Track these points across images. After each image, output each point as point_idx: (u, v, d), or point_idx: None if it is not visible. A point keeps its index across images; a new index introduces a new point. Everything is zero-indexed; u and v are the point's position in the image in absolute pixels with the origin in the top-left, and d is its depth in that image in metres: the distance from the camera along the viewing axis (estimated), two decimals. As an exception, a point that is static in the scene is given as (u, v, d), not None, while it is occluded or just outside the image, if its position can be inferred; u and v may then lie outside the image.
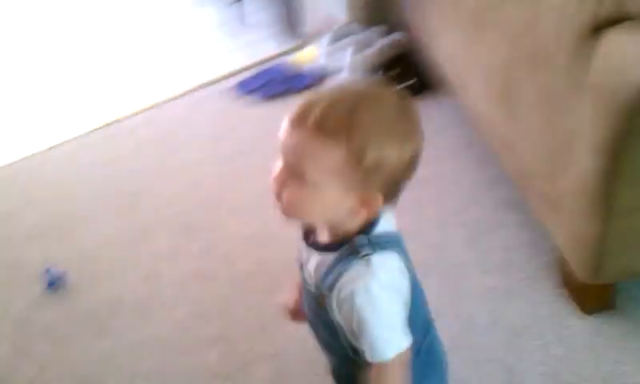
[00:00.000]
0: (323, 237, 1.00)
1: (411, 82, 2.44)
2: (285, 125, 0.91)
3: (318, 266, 1.00)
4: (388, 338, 0.96)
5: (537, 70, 1.52)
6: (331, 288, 0.96)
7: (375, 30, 2.61)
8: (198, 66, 2.85)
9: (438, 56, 2.23)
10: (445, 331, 1.59)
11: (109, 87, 2.81)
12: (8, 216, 2.21)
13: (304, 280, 1.08)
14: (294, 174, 0.90)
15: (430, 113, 2.35)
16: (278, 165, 0.94)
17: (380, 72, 2.44)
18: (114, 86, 2.82)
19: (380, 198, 0.94)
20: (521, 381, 1.49)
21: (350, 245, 0.95)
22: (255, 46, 2.93)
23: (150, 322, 1.78)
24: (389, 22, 2.65)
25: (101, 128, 2.56)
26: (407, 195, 1.95)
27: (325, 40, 2.62)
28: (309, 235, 1.04)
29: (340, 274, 0.94)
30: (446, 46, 2.12)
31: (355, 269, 0.94)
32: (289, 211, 0.94)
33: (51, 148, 2.51)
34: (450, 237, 1.88)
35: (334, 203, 0.92)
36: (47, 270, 1.93)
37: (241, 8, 3.04)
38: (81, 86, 2.87)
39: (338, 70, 2.57)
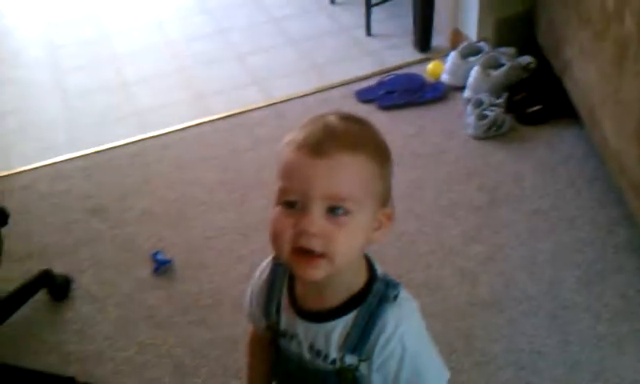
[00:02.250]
0: (326, 299, 0.88)
1: (537, 108, 2.37)
2: (301, 158, 0.79)
3: (325, 338, 0.89)
4: (440, 368, 0.92)
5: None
6: (371, 350, 0.86)
7: (504, 50, 2.55)
8: (320, 70, 2.89)
9: (570, 85, 2.15)
10: (547, 373, 1.56)
11: (234, 80, 2.90)
12: (124, 196, 2.29)
13: (290, 360, 0.95)
14: (330, 211, 0.79)
15: (553, 142, 2.27)
16: (286, 212, 0.80)
17: (505, 94, 2.38)
18: (239, 80, 2.90)
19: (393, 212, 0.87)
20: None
21: (373, 294, 0.87)
22: (378, 54, 2.93)
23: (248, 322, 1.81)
24: (519, 43, 2.58)
25: (222, 119, 2.63)
26: (522, 225, 1.95)
27: (451, 56, 2.59)
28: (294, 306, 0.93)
29: (382, 329, 0.85)
30: (581, 75, 2.05)
31: (392, 315, 0.86)
32: (343, 258, 0.81)
33: (174, 131, 2.59)
34: (564, 276, 1.81)
35: (368, 227, 0.83)
36: (155, 255, 2.01)
37: (368, 16, 3.05)
38: (207, 74, 2.97)
39: (461, 87, 2.52)
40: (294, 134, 0.83)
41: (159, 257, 2.00)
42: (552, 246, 1.90)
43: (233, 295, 1.86)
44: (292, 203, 0.80)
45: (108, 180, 2.37)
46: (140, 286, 1.95)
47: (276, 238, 0.82)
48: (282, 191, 0.81)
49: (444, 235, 1.99)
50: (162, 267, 1.98)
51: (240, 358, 1.64)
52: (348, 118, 0.85)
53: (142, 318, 1.86)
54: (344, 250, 0.80)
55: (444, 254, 1.93)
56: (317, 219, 0.78)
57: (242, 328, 1.73)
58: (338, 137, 0.80)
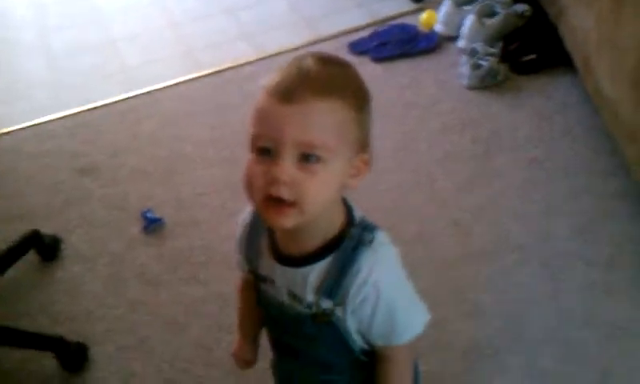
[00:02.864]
0: (303, 244, 0.87)
1: (531, 56, 2.33)
2: (272, 104, 0.77)
3: (301, 283, 0.89)
4: (417, 311, 0.92)
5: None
6: (345, 294, 0.86)
7: (500, -1, 2.49)
8: (312, 23, 2.83)
9: (565, 32, 2.10)
10: (540, 321, 1.56)
11: (223, 34, 2.84)
12: (114, 154, 2.26)
13: (271, 305, 0.96)
14: (302, 159, 0.77)
15: (548, 91, 2.23)
16: (259, 159, 0.79)
17: (499, 43, 2.33)
18: (229, 34, 2.84)
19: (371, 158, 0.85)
20: (615, 383, 1.41)
21: (349, 239, 0.86)
22: (371, 5, 2.86)
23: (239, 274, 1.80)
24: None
25: (212, 74, 2.58)
26: (517, 174, 1.92)
27: (445, 5, 2.52)
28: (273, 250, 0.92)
29: (356, 273, 0.85)
30: (577, 21, 2.00)
31: (366, 260, 0.85)
32: (314, 207, 0.79)
33: (163, 88, 2.54)
34: (557, 224, 1.79)
35: (343, 174, 0.81)
36: (145, 213, 1.99)
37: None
38: (196, 29, 2.91)
39: (455, 37, 2.47)
40: (269, 78, 0.80)
41: (149, 215, 1.98)
42: (546, 195, 1.88)
43: (224, 252, 1.84)
44: (265, 150, 0.78)
45: (96, 139, 2.34)
46: (130, 245, 1.93)
47: (248, 186, 0.81)
48: (254, 138, 0.80)
49: (438, 186, 1.97)
50: (152, 225, 1.96)
51: (232, 314, 1.61)
52: (325, 61, 0.82)
53: (132, 277, 1.85)
54: (315, 198, 0.79)
55: (437, 206, 1.90)
56: (287, 167, 0.76)
57: (233, 284, 1.73)
58: (311, 81, 0.78)
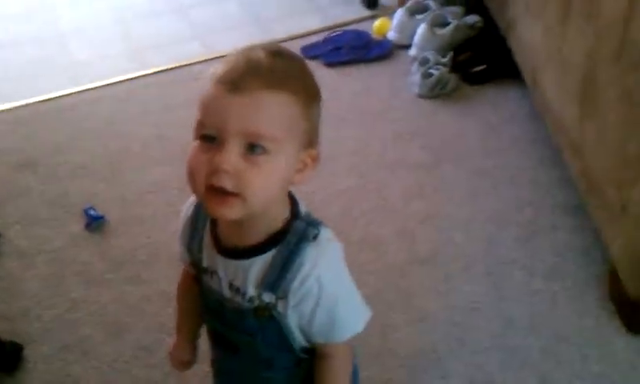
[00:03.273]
0: (246, 237, 0.86)
1: (481, 67, 2.36)
2: (219, 93, 0.76)
3: (243, 276, 0.87)
4: (358, 308, 0.92)
5: (624, 69, 1.42)
6: (287, 288, 0.85)
7: (451, 9, 2.52)
8: (266, 25, 2.81)
9: (515, 44, 2.14)
10: (483, 329, 1.57)
11: (174, 34, 2.80)
12: (56, 150, 2.20)
13: (212, 298, 0.94)
14: (247, 149, 0.76)
15: (497, 102, 2.27)
16: (203, 147, 0.77)
17: (450, 53, 2.36)
18: (180, 33, 2.80)
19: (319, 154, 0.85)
20: (554, 391, 1.44)
21: (293, 233, 0.85)
22: (326, 10, 2.87)
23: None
24: (466, 3, 2.56)
25: (160, 72, 2.54)
26: (464, 183, 1.94)
27: (399, 13, 2.55)
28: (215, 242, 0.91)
29: (299, 267, 0.84)
30: (525, 34, 2.04)
31: (310, 255, 0.84)
32: (257, 200, 0.78)
33: (109, 84, 2.49)
34: (502, 233, 1.82)
35: (289, 168, 0.80)
36: (87, 210, 1.93)
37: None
38: (146, 27, 2.86)
39: (408, 45, 2.49)
40: (218, 66, 0.79)
41: (92, 212, 1.92)
42: (492, 205, 1.91)
43: (169, 251, 1.80)
44: (210, 138, 0.77)
45: (37, 134, 2.27)
46: (71, 242, 1.87)
47: (191, 175, 0.79)
48: (199, 125, 0.78)
49: (386, 193, 1.97)
50: (94, 223, 1.91)
51: (175, 314, 1.61)
52: (275, 53, 0.81)
53: (73, 275, 1.79)
54: (258, 191, 0.77)
55: (385, 212, 1.91)
56: (231, 157, 0.75)
57: (177, 283, 1.71)
58: (259, 73, 0.77)
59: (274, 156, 0.77)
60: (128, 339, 1.63)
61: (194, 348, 1.10)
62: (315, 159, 0.84)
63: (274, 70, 0.78)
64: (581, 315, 1.58)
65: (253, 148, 0.76)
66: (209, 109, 0.77)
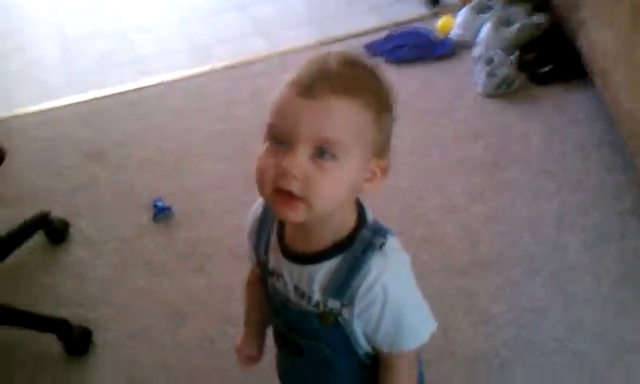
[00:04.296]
0: (312, 242, 0.86)
1: (547, 68, 2.32)
2: (291, 97, 0.77)
3: (308, 281, 0.87)
4: (424, 318, 0.91)
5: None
6: (353, 295, 0.85)
7: (518, 8, 2.47)
8: (327, 22, 2.82)
9: (583, 45, 2.09)
10: (548, 332, 1.55)
11: (237, 30, 2.83)
12: (125, 143, 2.26)
13: (277, 300, 0.94)
14: (316, 154, 0.76)
15: (563, 104, 2.22)
16: (272, 150, 0.78)
17: (516, 53, 2.32)
18: (243, 30, 2.83)
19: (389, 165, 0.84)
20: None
21: (359, 241, 0.85)
22: (388, 8, 2.85)
23: (246, 268, 1.78)
24: (533, 1, 2.51)
25: (224, 69, 2.57)
26: (527, 185, 1.91)
27: (464, 11, 2.52)
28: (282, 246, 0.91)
29: (365, 276, 0.83)
30: (595, 36, 1.99)
31: (376, 263, 0.84)
32: (323, 205, 0.78)
33: (173, 81, 2.53)
34: (568, 237, 1.78)
35: (356, 176, 0.80)
36: (155, 202, 1.98)
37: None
38: (209, 25, 2.90)
39: (473, 44, 2.47)
40: (293, 71, 0.80)
41: (160, 203, 1.97)
42: (557, 208, 1.87)
43: (231, 244, 1.84)
44: (280, 142, 0.78)
45: (106, 127, 2.34)
46: (138, 232, 1.93)
47: (259, 176, 0.80)
48: (270, 128, 0.79)
49: (448, 193, 1.95)
50: (161, 214, 1.95)
51: (237, 306, 1.61)
52: (350, 61, 0.81)
53: (139, 264, 1.84)
54: (324, 196, 0.77)
55: (447, 212, 1.89)
56: (300, 161, 0.76)
57: (238, 276, 1.69)
58: (332, 79, 0.77)
59: (342, 163, 0.77)
60: (191, 329, 1.67)
61: (260, 344, 1.11)
62: (385, 170, 0.83)
63: (347, 77, 0.78)
64: (650, 324, 1.54)
65: (322, 153, 0.76)
66: (280, 112, 0.78)
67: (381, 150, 0.82)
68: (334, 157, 0.76)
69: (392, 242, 0.87)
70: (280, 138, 0.78)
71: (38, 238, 1.89)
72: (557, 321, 1.56)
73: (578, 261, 1.71)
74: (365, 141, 0.79)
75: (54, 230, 1.89)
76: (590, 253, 1.73)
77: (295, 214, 0.78)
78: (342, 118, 0.76)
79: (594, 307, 1.59)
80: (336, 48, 2.62)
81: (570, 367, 1.48)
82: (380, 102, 0.81)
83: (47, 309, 1.71)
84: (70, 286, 1.79)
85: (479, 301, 1.65)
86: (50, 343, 1.63)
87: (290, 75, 0.79)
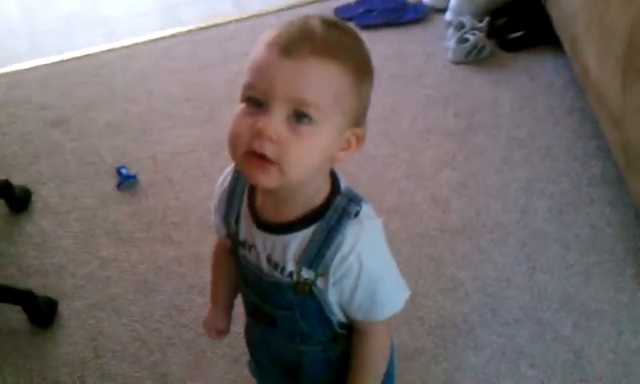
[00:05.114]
0: (285, 211, 0.85)
1: (519, 34, 2.31)
2: (270, 56, 0.74)
3: (282, 251, 0.86)
4: (398, 287, 0.91)
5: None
6: (327, 265, 0.84)
7: (489, -28, 2.46)
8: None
9: (554, 10, 2.08)
10: (514, 300, 1.56)
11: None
12: (88, 107, 2.20)
13: (249, 271, 0.93)
14: (292, 117, 0.74)
15: (533, 70, 2.22)
16: (247, 112, 0.76)
17: (487, 18, 2.30)
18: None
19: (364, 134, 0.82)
20: (586, 365, 1.44)
21: (333, 210, 0.83)
22: (360, -29, 2.81)
23: (215, 237, 1.77)
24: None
25: (192, 31, 2.52)
26: (497, 152, 1.91)
27: (434, -24, 2.49)
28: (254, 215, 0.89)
29: (339, 245, 0.82)
30: (566, 1, 1.97)
31: (351, 232, 0.83)
32: (296, 170, 0.76)
33: (140, 43, 2.48)
34: (535, 204, 1.79)
35: (332, 143, 0.78)
36: (120, 169, 1.94)
37: None
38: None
39: (443, 9, 2.44)
40: (271, 30, 0.77)
41: (124, 171, 1.93)
42: (526, 175, 1.87)
43: (199, 213, 1.81)
44: (256, 102, 0.75)
45: (70, 91, 2.27)
46: (103, 201, 1.89)
47: (232, 138, 0.77)
48: (246, 87, 0.76)
49: (418, 160, 1.95)
50: (126, 182, 1.92)
51: (206, 276, 1.61)
52: (332, 24, 0.78)
53: (104, 233, 1.81)
54: (298, 162, 0.75)
55: (416, 179, 1.89)
56: (275, 122, 0.73)
57: (208, 246, 1.67)
58: (313, 40, 0.74)
59: (318, 127, 0.75)
60: (158, 299, 1.65)
61: (228, 317, 1.10)
62: (361, 139, 0.82)
63: (327, 39, 0.75)
64: (617, 290, 1.56)
65: (298, 116, 0.74)
66: (257, 71, 0.75)
67: (358, 118, 0.80)
68: (310, 121, 0.74)
69: (366, 210, 0.86)
70: (256, 99, 0.75)
71: (0, 207, 1.84)
72: (522, 289, 1.58)
73: (544, 228, 1.72)
74: (343, 107, 0.77)
75: (16, 199, 1.85)
76: (557, 220, 1.74)
77: (267, 178, 0.76)
78: (321, 80, 0.74)
79: (559, 275, 1.61)
80: (306, 11, 2.59)
81: (536, 335, 1.49)
82: (361, 68, 0.79)
83: (10, 279, 1.68)
84: (34, 255, 1.75)
85: (447, 268, 1.65)
86: (14, 314, 1.60)
87: (268, 35, 0.77)
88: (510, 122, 2.05)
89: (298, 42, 0.74)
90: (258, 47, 0.76)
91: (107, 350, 1.55)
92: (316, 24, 0.77)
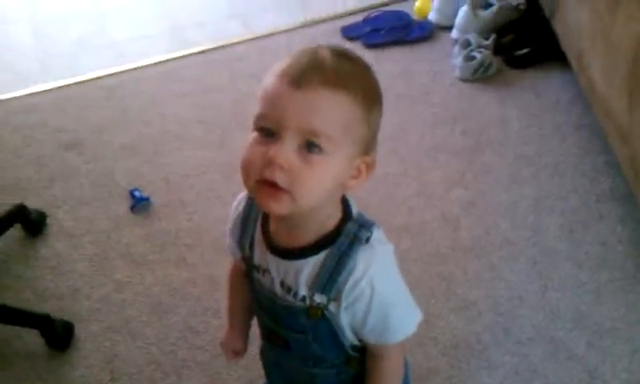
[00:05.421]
0: (298, 237, 0.86)
1: (524, 51, 2.33)
2: (280, 87, 0.76)
3: (294, 276, 0.87)
4: (410, 310, 0.91)
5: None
6: (340, 290, 0.85)
7: (494, -10, 2.48)
8: (305, 4, 2.79)
9: (560, 27, 2.10)
10: (527, 319, 1.57)
11: (214, 12, 2.79)
12: (101, 130, 2.23)
13: (263, 295, 0.94)
14: (303, 146, 0.75)
15: (540, 87, 2.24)
16: (259, 141, 0.77)
17: (493, 36, 2.32)
18: (220, 12, 2.79)
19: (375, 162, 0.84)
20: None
21: (345, 235, 0.85)
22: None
23: (229, 260, 1.78)
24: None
25: (201, 53, 2.54)
26: (505, 170, 1.93)
27: (439, -6, 2.52)
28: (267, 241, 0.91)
29: (351, 271, 0.84)
30: (572, 17, 1.99)
31: (362, 257, 0.84)
32: (307, 198, 0.77)
33: (149, 65, 2.51)
34: (545, 222, 1.80)
35: (343, 172, 0.79)
36: (133, 192, 1.96)
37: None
38: (185, 6, 2.86)
39: (449, 27, 2.47)
40: (282, 61, 0.79)
41: (137, 194, 1.95)
42: (535, 193, 1.89)
43: (212, 235, 1.83)
44: (267, 131, 0.77)
45: (83, 114, 2.30)
46: (117, 223, 1.91)
47: (245, 166, 0.79)
48: (258, 117, 0.78)
49: (426, 179, 1.96)
50: (139, 204, 1.93)
51: (220, 298, 1.63)
52: (341, 54, 0.80)
53: (118, 256, 1.82)
54: (309, 190, 0.77)
55: (426, 198, 1.90)
56: (286, 151, 0.75)
57: (222, 268, 1.70)
58: (323, 71, 0.76)
59: (329, 157, 0.76)
60: (173, 321, 1.66)
61: (245, 338, 1.12)
62: (371, 167, 0.83)
63: (336, 69, 0.77)
64: (629, 308, 1.57)
65: (308, 146, 0.75)
66: (269, 101, 0.77)
67: (368, 146, 0.82)
68: (320, 150, 0.75)
69: (377, 234, 0.87)
70: (267, 128, 0.77)
71: (15, 231, 1.86)
72: (535, 307, 1.59)
73: (555, 246, 1.73)
74: (353, 136, 0.78)
75: (31, 223, 1.87)
76: (567, 238, 1.75)
77: (279, 206, 0.77)
78: (331, 111, 0.76)
79: (572, 293, 1.62)
80: (313, 31, 2.62)
81: (549, 354, 1.50)
82: (370, 97, 0.81)
83: (27, 303, 1.70)
84: (49, 279, 1.77)
85: (458, 287, 1.66)
86: (31, 338, 1.61)
87: (279, 66, 0.79)
88: (518, 140, 2.06)
89: (307, 73, 0.75)
90: (269, 78, 0.78)
91: (123, 373, 1.57)
92: (326, 55, 0.78)
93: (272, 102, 0.77)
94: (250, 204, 0.94)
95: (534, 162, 1.98)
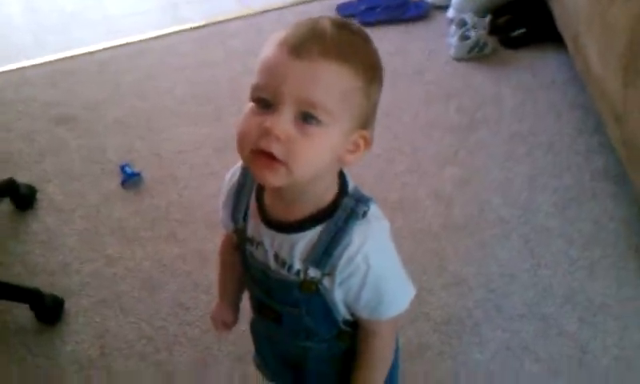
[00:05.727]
0: (294, 210, 0.85)
1: (521, 31, 2.31)
2: (279, 56, 0.74)
3: (289, 250, 0.86)
4: (404, 287, 0.91)
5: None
6: (334, 265, 0.84)
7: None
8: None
9: (556, 8, 2.09)
10: (518, 296, 1.57)
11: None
12: (94, 105, 2.21)
13: (256, 268, 0.93)
14: (299, 116, 0.74)
15: (535, 67, 2.23)
16: (256, 111, 0.76)
17: (489, 16, 2.31)
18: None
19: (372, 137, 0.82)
20: (591, 360, 1.44)
21: (341, 210, 0.83)
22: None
23: (221, 235, 1.77)
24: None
25: (196, 29, 2.53)
26: (499, 148, 1.92)
27: (436, -28, 2.50)
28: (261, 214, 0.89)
29: (347, 246, 0.83)
30: (568, -2, 1.98)
31: (358, 232, 0.83)
32: (302, 170, 0.76)
33: (143, 41, 2.49)
34: (538, 199, 1.80)
35: (340, 144, 0.78)
36: (123, 167, 1.95)
37: None
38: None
39: (445, 6, 2.45)
40: (281, 31, 0.77)
41: (127, 169, 1.94)
42: (528, 170, 1.88)
43: (204, 211, 1.82)
44: (264, 102, 0.75)
45: (76, 88, 2.28)
46: (107, 199, 1.90)
47: (241, 136, 0.77)
48: (255, 87, 0.76)
49: (420, 156, 1.96)
50: (130, 180, 1.92)
51: (210, 273, 1.63)
52: (342, 26, 0.78)
53: (109, 231, 1.81)
54: (305, 162, 0.75)
55: (419, 175, 1.90)
56: (283, 122, 0.73)
57: (213, 244, 1.70)
58: (323, 41, 0.74)
59: (326, 129, 0.74)
60: (164, 296, 1.65)
61: (235, 311, 1.11)
62: (368, 142, 0.81)
63: (336, 40, 0.75)
64: (620, 285, 1.57)
65: (305, 117, 0.74)
66: (266, 71, 0.75)
67: (366, 120, 0.80)
68: (318, 122, 0.74)
69: (374, 210, 0.86)
70: (265, 98, 0.75)
71: (5, 206, 1.85)
72: (526, 284, 1.59)
73: (548, 224, 1.73)
74: (351, 109, 0.76)
75: (21, 197, 1.85)
76: (560, 215, 1.75)
77: (274, 177, 0.76)
78: (330, 82, 0.74)
79: (563, 270, 1.62)
80: (308, 9, 2.60)
81: (540, 330, 1.50)
82: (370, 70, 0.79)
83: (17, 277, 1.69)
84: (40, 253, 1.76)
85: (450, 264, 1.66)
86: (21, 312, 1.61)
87: (277, 35, 0.77)
88: (512, 118, 2.06)
89: (307, 43, 0.73)
90: (267, 48, 0.77)
91: (113, 347, 1.56)
92: (326, 25, 0.76)
93: (270, 71, 0.75)
94: (245, 175, 0.93)
95: (529, 140, 1.97)
